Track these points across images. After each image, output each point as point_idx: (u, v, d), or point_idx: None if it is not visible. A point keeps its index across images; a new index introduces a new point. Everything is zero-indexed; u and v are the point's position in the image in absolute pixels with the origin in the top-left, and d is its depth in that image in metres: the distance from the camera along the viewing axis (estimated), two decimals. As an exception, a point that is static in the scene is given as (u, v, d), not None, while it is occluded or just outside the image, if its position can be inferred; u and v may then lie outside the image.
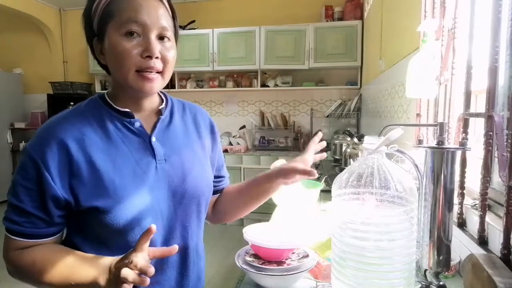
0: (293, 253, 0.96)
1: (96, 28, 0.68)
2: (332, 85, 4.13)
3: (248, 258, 0.91)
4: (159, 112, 0.77)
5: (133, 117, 0.72)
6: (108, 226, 0.66)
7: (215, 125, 0.89)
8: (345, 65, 3.89)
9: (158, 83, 0.69)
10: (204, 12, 4.45)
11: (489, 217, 0.84)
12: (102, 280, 0.61)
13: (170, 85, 4.29)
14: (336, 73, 4.14)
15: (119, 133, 0.70)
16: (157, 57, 0.67)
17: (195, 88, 4.37)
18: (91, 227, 0.68)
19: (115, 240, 0.68)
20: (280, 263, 0.90)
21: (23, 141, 4.97)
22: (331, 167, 2.73)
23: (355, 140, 2.44)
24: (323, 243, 1.06)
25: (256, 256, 0.94)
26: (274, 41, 3.96)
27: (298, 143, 4.25)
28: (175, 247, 0.62)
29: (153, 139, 0.72)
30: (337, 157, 2.83)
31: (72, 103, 4.69)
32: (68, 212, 0.67)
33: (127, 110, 0.71)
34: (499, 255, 0.73)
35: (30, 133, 5.16)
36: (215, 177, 0.89)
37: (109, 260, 0.63)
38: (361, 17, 3.81)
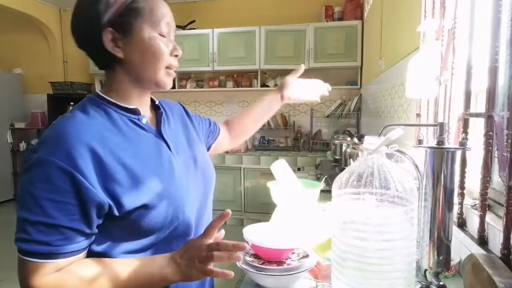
0: (293, 253, 0.96)
1: (113, 20, 0.65)
2: (332, 85, 4.11)
3: (248, 258, 0.91)
4: (153, 109, 0.80)
5: (139, 114, 0.72)
6: (152, 222, 0.65)
7: (184, 106, 0.95)
8: (345, 65, 3.89)
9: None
10: (204, 12, 4.45)
11: (489, 217, 0.84)
12: (171, 275, 0.64)
13: (175, 84, 4.28)
14: (336, 73, 4.14)
15: (131, 131, 0.69)
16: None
17: (195, 88, 4.37)
18: (128, 230, 0.65)
19: (151, 237, 0.68)
20: (280, 263, 0.90)
21: (23, 141, 4.97)
22: (331, 167, 2.73)
23: (355, 140, 2.44)
24: (323, 243, 1.06)
25: (256, 256, 0.94)
26: (274, 41, 3.96)
27: (298, 143, 4.25)
28: (222, 232, 0.68)
29: (163, 133, 0.75)
30: (337, 157, 2.83)
31: (72, 103, 4.69)
32: (105, 220, 0.63)
33: (134, 107, 0.71)
34: (499, 255, 0.73)
35: (30, 133, 5.16)
36: (210, 131, 1.02)
37: (166, 257, 0.66)
38: (361, 17, 3.81)
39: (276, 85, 4.15)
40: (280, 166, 1.34)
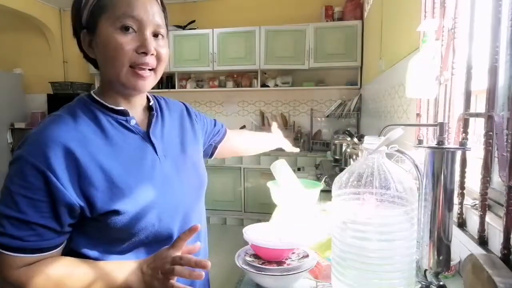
0: (293, 253, 0.96)
1: (86, 20, 0.65)
2: (332, 85, 4.13)
3: (248, 258, 0.91)
4: (148, 109, 0.77)
5: (128, 115, 0.70)
6: (125, 227, 0.64)
7: (188, 106, 0.92)
8: (345, 65, 3.89)
9: (151, 80, 0.68)
10: (204, 12, 4.45)
11: (489, 217, 0.84)
12: (135, 283, 0.62)
13: (170, 85, 4.30)
14: (336, 73, 4.14)
15: (117, 132, 0.68)
16: (152, 54, 0.65)
17: (195, 88, 4.37)
18: (103, 231, 0.65)
19: (129, 240, 0.67)
20: (280, 263, 0.90)
21: (23, 141, 4.97)
22: (331, 167, 2.73)
23: (355, 140, 2.44)
24: (323, 243, 1.06)
25: (256, 256, 0.94)
26: (274, 41, 3.95)
27: (298, 143, 4.24)
28: (197, 245, 0.68)
29: (151, 135, 0.72)
30: (337, 157, 2.83)
31: (72, 103, 4.70)
32: (80, 219, 0.63)
33: (122, 108, 0.70)
34: (499, 255, 0.73)
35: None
36: (215, 132, 1.03)
37: (135, 264, 0.65)
38: (361, 17, 3.81)
39: (276, 85, 4.15)
40: (280, 166, 1.34)
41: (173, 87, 4.29)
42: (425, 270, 0.75)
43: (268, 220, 1.25)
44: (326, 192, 1.53)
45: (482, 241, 0.83)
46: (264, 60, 3.99)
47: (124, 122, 0.70)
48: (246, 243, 0.94)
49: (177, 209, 0.73)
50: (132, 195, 0.64)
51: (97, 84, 4.71)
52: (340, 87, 4.08)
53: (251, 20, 4.20)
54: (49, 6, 4.78)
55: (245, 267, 0.87)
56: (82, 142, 0.62)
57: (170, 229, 0.71)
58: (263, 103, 4.46)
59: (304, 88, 4.15)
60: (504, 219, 0.72)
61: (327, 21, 3.97)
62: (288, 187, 1.32)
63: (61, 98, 4.67)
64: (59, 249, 0.63)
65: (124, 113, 0.70)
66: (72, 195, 0.59)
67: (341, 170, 2.10)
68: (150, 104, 0.78)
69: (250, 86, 4.24)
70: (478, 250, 0.82)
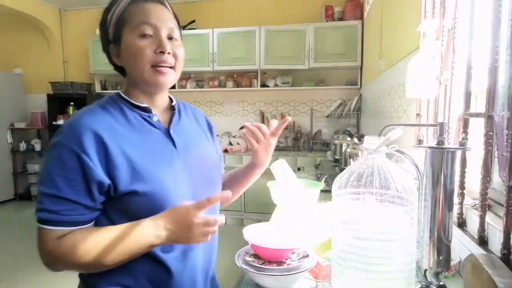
0: (293, 253, 0.96)
1: (112, 35, 0.77)
2: (332, 85, 4.13)
3: (248, 258, 0.91)
4: (170, 109, 0.86)
5: (151, 112, 0.79)
6: (142, 209, 0.70)
7: (212, 125, 0.99)
8: (345, 65, 3.89)
9: (171, 76, 0.77)
10: (204, 12, 4.45)
11: (489, 217, 0.84)
12: (159, 239, 0.68)
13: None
14: (336, 73, 4.14)
15: (141, 126, 0.77)
16: (169, 53, 0.75)
17: (195, 88, 4.37)
18: (123, 213, 0.71)
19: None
20: (280, 263, 0.90)
21: (23, 141, 4.97)
22: (331, 167, 2.73)
23: (355, 140, 2.44)
24: (323, 243, 1.06)
25: (256, 256, 0.94)
26: (274, 41, 3.96)
27: (298, 143, 4.25)
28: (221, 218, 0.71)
29: (171, 131, 0.80)
30: (337, 157, 2.83)
31: (72, 103, 4.70)
32: (107, 198, 0.71)
33: (146, 105, 0.79)
34: (499, 255, 0.73)
35: (30, 133, 5.16)
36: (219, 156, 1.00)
37: (157, 219, 0.68)
38: (361, 17, 3.81)
39: (276, 85, 4.16)
40: (280, 166, 1.34)
41: (173, 87, 4.25)
42: (425, 270, 0.75)
43: (268, 220, 1.25)
44: (326, 192, 1.53)
45: (482, 241, 0.83)
46: (264, 60, 3.99)
47: (147, 118, 0.78)
48: (246, 243, 0.94)
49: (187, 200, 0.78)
50: (150, 180, 0.71)
51: (97, 84, 4.72)
52: (340, 87, 4.08)
53: (251, 20, 4.20)
54: (49, 6, 4.78)
55: (245, 267, 0.87)
56: (110, 131, 0.70)
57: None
58: (263, 103, 4.46)
59: (304, 88, 4.15)
60: (504, 219, 0.72)
61: (327, 21, 3.97)
62: (288, 187, 1.32)
63: (61, 98, 4.68)
64: (90, 225, 0.71)
65: (147, 110, 0.79)
66: (101, 173, 0.67)
67: (341, 170, 2.10)
68: (173, 104, 0.86)
69: (250, 86, 4.24)
70: (478, 250, 0.82)
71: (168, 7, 0.79)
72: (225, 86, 4.29)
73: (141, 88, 0.79)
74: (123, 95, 0.79)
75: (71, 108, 4.71)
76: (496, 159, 0.81)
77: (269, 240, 0.90)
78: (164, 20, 0.75)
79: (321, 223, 1.23)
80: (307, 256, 0.93)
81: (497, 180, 0.92)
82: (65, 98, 4.67)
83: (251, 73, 4.25)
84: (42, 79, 4.98)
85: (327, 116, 4.12)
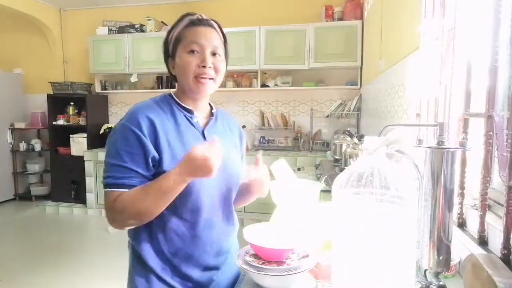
0: (293, 253, 0.96)
1: (170, 51, 0.96)
2: (332, 85, 4.13)
3: (248, 258, 0.91)
4: (209, 115, 1.04)
5: (193, 114, 0.97)
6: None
7: (243, 134, 1.15)
8: (345, 65, 3.89)
9: (210, 86, 0.95)
10: (204, 12, 4.40)
11: (489, 217, 0.84)
12: (184, 180, 0.83)
13: (171, 85, 4.30)
14: (336, 73, 4.14)
15: (183, 123, 0.95)
16: (210, 67, 0.92)
17: (195, 88, 4.36)
18: None
19: (182, 200, 0.89)
20: (280, 263, 0.90)
21: (23, 141, 4.97)
22: (331, 167, 2.73)
23: (355, 140, 2.44)
24: (323, 243, 1.06)
25: (256, 256, 0.94)
26: (274, 41, 3.96)
27: (298, 143, 4.25)
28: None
29: (206, 132, 0.98)
30: (337, 157, 2.83)
31: (72, 103, 4.70)
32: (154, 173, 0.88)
33: (189, 108, 0.97)
34: (499, 255, 0.73)
35: (30, 133, 5.16)
36: None
37: (178, 168, 0.83)
38: (361, 17, 3.81)
39: (276, 85, 4.16)
40: (280, 166, 1.34)
41: (174, 87, 4.27)
42: (425, 270, 0.75)
43: (268, 220, 1.25)
44: (326, 192, 1.53)
45: (482, 241, 0.83)
46: (264, 60, 3.99)
47: (189, 118, 0.96)
48: (246, 243, 0.94)
49: (211, 193, 0.95)
50: None
51: (97, 84, 4.73)
52: (340, 87, 4.08)
53: (251, 20, 4.20)
54: (49, 6, 4.78)
55: (245, 267, 0.87)
56: (160, 121, 0.89)
57: (200, 204, 0.92)
58: (263, 103, 4.46)
59: (304, 88, 4.15)
60: (504, 219, 0.72)
61: (327, 21, 3.97)
62: (288, 187, 1.32)
63: (61, 98, 4.67)
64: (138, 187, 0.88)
65: (190, 112, 0.97)
66: (153, 150, 0.87)
67: (341, 170, 2.10)
68: (212, 111, 1.04)
69: (250, 86, 4.24)
70: (478, 250, 0.82)
71: (217, 28, 0.97)
72: (225, 86, 4.29)
73: (187, 94, 0.97)
74: (174, 96, 0.98)
75: (71, 108, 4.71)
76: (496, 159, 0.81)
77: (269, 240, 0.90)
78: (210, 39, 0.92)
79: (321, 223, 1.23)
80: (307, 256, 0.93)
81: (497, 180, 0.92)
82: (65, 98, 4.67)
83: (251, 73, 4.25)
84: (42, 79, 4.98)
85: (327, 116, 4.12)
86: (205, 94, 0.97)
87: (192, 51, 0.91)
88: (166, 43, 0.98)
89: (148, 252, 0.93)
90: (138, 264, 0.95)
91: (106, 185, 0.86)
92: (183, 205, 0.91)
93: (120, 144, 0.86)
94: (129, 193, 0.85)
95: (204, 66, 0.91)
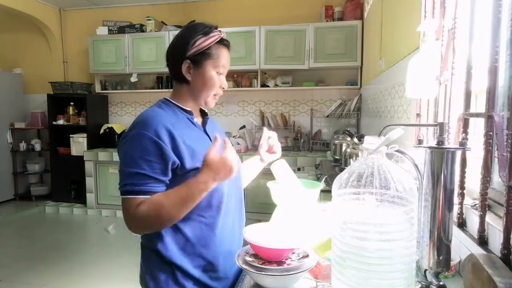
0: (293, 253, 0.96)
1: (192, 56, 0.98)
2: (332, 85, 4.13)
3: (248, 258, 0.91)
4: (202, 114, 1.11)
5: (193, 115, 1.04)
6: None
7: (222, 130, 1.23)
8: (345, 65, 3.89)
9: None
10: (204, 12, 4.45)
11: (489, 217, 0.84)
12: (207, 186, 0.88)
13: (170, 85, 4.29)
14: (336, 73, 4.14)
15: (188, 124, 1.01)
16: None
17: (195, 88, 4.36)
18: None
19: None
20: (280, 263, 0.90)
21: (23, 141, 4.97)
22: (331, 167, 2.73)
23: (355, 140, 2.44)
24: (323, 243, 1.06)
25: (256, 256, 0.94)
26: (274, 41, 3.96)
27: (298, 143, 4.25)
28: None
29: (207, 129, 1.06)
30: (337, 157, 2.83)
31: (72, 103, 4.70)
32: (173, 175, 0.93)
33: (190, 109, 1.03)
34: (499, 255, 0.73)
35: (30, 133, 5.16)
36: None
37: (200, 176, 0.88)
38: (361, 17, 3.81)
39: (276, 85, 4.16)
40: (280, 166, 1.33)
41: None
42: (425, 270, 0.75)
43: (268, 220, 1.25)
44: (326, 192, 1.53)
45: (482, 241, 0.83)
46: (264, 60, 4.00)
47: (190, 119, 1.03)
48: (246, 243, 0.94)
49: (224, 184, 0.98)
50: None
51: (97, 84, 4.73)
52: (340, 87, 4.08)
53: (251, 20, 4.20)
54: (49, 6, 4.78)
55: (245, 267, 0.87)
56: (172, 125, 0.93)
57: (220, 199, 0.99)
58: (263, 103, 4.46)
59: (304, 88, 4.15)
60: (504, 219, 0.72)
61: (327, 21, 3.97)
62: (288, 187, 1.32)
63: (61, 98, 4.67)
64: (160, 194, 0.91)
65: (190, 113, 1.03)
66: (173, 155, 0.90)
67: (341, 170, 2.09)
68: (206, 111, 1.13)
69: (250, 86, 4.24)
70: (478, 250, 0.82)
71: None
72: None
73: (196, 101, 1.04)
74: (171, 100, 1.03)
75: (71, 108, 4.71)
76: (496, 159, 0.81)
77: (269, 240, 0.90)
78: (229, 64, 1.04)
79: (321, 223, 1.23)
80: (307, 256, 0.93)
81: (497, 180, 0.92)
82: (65, 98, 4.67)
83: (251, 73, 4.25)
84: (42, 79, 4.98)
85: (327, 116, 4.12)
86: (211, 107, 1.09)
87: (219, 73, 1.02)
88: (186, 45, 0.99)
89: (170, 247, 0.95)
90: (157, 262, 0.97)
91: (125, 192, 0.88)
92: (206, 200, 0.95)
93: (137, 152, 0.89)
94: (152, 200, 0.88)
95: (223, 88, 1.04)
